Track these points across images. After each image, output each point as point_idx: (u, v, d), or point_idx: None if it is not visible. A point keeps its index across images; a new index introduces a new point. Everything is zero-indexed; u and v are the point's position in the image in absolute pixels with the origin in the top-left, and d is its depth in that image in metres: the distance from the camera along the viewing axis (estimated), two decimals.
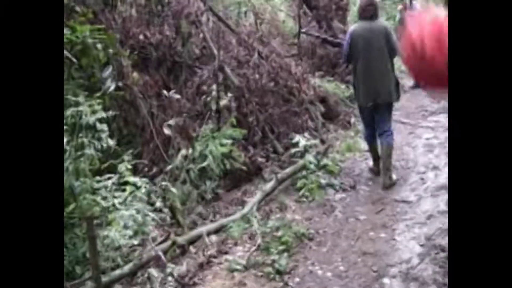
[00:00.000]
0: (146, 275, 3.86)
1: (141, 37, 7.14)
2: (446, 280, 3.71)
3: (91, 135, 3.61)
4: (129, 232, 3.80)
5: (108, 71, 5.47)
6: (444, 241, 4.26)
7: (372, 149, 6.15)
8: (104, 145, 3.68)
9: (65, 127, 3.59)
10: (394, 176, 5.88)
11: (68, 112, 3.60)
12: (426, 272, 3.94)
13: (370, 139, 6.14)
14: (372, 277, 4.04)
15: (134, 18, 7.32)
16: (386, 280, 3.96)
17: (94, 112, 3.70)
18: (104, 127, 3.72)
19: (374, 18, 5.88)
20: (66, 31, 4.73)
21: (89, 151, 3.51)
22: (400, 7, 11.47)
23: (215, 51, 7.13)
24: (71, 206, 3.80)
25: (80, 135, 3.58)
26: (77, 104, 3.69)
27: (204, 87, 6.88)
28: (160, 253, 4.02)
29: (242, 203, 5.55)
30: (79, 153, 3.54)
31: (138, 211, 3.89)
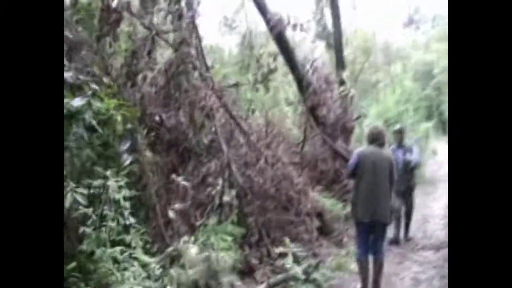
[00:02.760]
0: None
1: (157, 117, 7.38)
2: None
3: (114, 209, 3.70)
4: None
5: (127, 145, 5.62)
6: None
7: (363, 269, 6.20)
8: (126, 221, 3.76)
9: (91, 191, 3.69)
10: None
11: (97, 182, 3.71)
12: None
13: (363, 258, 6.21)
14: None
15: (152, 98, 7.57)
16: None
17: (120, 187, 3.81)
18: (127, 204, 3.81)
19: (382, 146, 6.31)
20: (96, 102, 4.90)
21: (112, 224, 3.58)
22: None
23: (224, 147, 7.35)
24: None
25: (105, 207, 3.67)
26: (105, 177, 3.80)
27: (210, 179, 7.03)
28: None
29: None
30: (103, 223, 3.62)
31: None
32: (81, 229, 3.51)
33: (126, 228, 4.00)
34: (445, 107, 31.12)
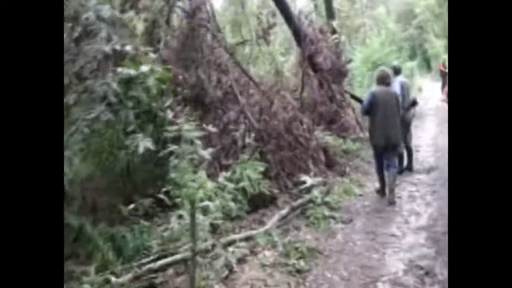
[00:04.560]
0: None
1: (180, 77, 8.52)
2: (424, 287, 5.05)
3: (189, 146, 4.93)
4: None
5: (168, 102, 6.79)
6: (423, 263, 5.62)
7: (380, 177, 8.23)
8: (200, 154, 5.01)
9: (170, 135, 4.92)
10: (396, 196, 8.03)
11: (173, 127, 4.94)
12: (408, 282, 5.25)
13: (380, 170, 8.21)
14: (369, 281, 5.34)
15: (174, 60, 8.67)
16: (379, 284, 5.27)
17: (191, 130, 5.03)
18: (199, 142, 5.04)
19: (389, 85, 8.14)
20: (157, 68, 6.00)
21: (189, 156, 4.82)
22: None
23: (240, 98, 8.57)
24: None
25: (184, 145, 4.90)
26: (180, 124, 5.03)
27: (231, 126, 8.27)
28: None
29: (261, 223, 6.87)
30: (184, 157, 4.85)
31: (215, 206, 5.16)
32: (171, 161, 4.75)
33: (200, 161, 5.22)
34: (427, 46, 32.27)
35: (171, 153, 4.89)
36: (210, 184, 5.01)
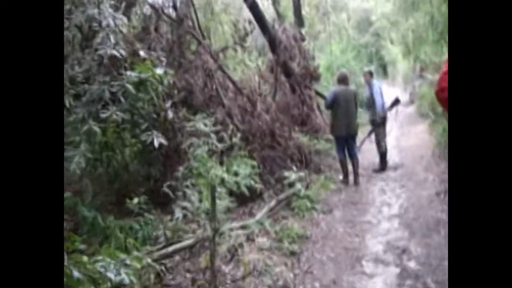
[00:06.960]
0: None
1: (170, 81, 9.16)
2: (402, 262, 5.87)
3: (203, 139, 5.65)
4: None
5: (169, 103, 7.45)
6: (398, 243, 6.47)
7: (343, 165, 9.62)
8: (214, 146, 5.73)
9: (191, 129, 5.61)
10: (360, 178, 9.62)
11: (191, 123, 5.66)
12: (388, 259, 6.07)
13: (343, 158, 9.63)
14: (354, 260, 6.14)
15: (164, 66, 9.31)
16: (363, 262, 6.07)
17: (206, 125, 5.75)
18: (213, 135, 5.75)
19: (348, 84, 9.69)
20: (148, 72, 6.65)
21: (205, 147, 5.54)
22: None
23: (224, 100, 9.29)
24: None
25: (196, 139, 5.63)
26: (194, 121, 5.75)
27: (218, 127, 8.97)
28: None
29: (251, 215, 7.60)
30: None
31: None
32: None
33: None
34: (384, 52, 33.66)
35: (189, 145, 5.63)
36: (224, 174, 5.69)
